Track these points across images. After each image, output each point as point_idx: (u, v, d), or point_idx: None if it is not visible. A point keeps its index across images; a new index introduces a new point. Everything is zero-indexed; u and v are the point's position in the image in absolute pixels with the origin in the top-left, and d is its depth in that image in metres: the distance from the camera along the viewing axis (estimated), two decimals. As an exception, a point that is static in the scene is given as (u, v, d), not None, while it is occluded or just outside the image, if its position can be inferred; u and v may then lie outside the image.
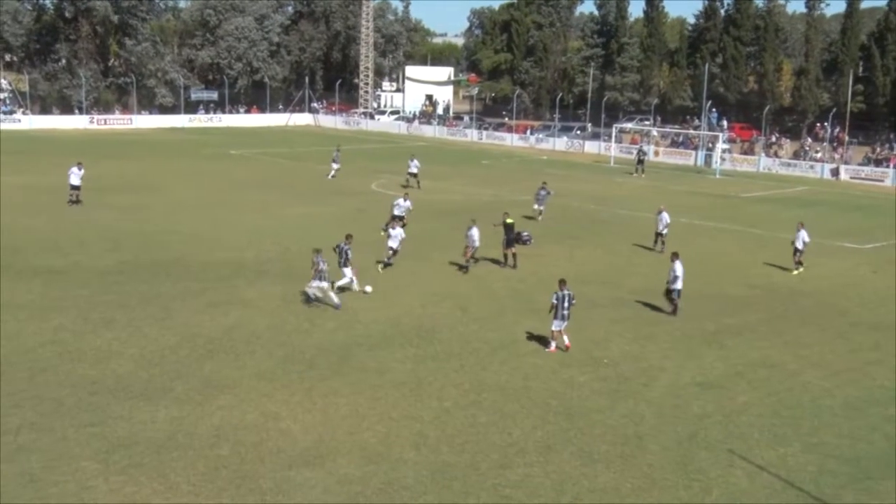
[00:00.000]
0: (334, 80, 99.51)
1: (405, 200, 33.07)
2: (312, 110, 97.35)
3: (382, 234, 30.72)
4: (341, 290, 23.84)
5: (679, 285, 23.33)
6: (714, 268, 29.78)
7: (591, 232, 35.67)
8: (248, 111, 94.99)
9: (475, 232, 27.36)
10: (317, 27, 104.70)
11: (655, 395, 17.67)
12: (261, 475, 13.83)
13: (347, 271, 24.16)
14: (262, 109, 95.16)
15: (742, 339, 21.63)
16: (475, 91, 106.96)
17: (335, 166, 49.89)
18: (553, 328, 20.13)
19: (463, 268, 27.64)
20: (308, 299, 23.13)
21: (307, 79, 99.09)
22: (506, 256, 28.67)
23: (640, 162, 57.18)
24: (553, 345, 20.10)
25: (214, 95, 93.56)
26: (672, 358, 19.99)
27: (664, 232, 31.75)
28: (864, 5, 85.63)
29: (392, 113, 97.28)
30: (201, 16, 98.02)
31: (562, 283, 20.25)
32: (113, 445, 14.64)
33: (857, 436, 16.01)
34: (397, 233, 27.53)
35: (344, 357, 19.35)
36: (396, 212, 32.18)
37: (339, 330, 21.29)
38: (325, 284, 22.96)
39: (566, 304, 19.91)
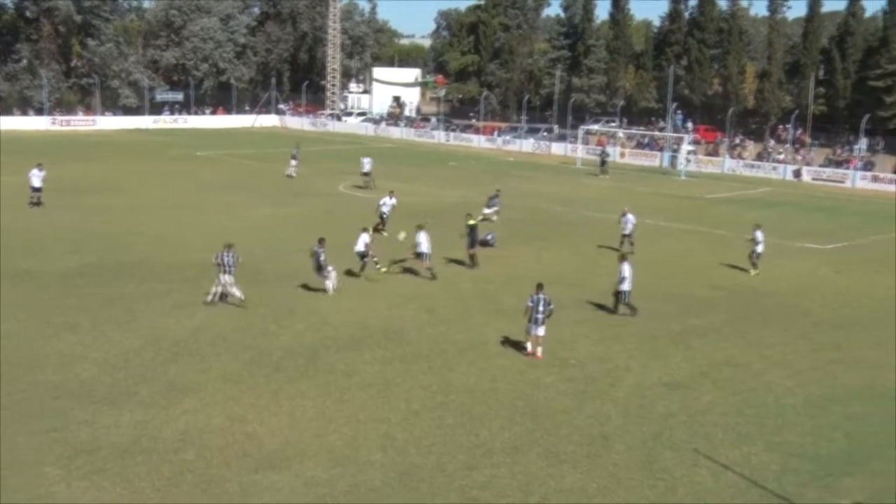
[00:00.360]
0: (301, 81, 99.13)
1: (391, 198, 33.40)
2: (279, 111, 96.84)
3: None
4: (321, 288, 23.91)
5: (626, 286, 23.27)
6: (679, 269, 30.06)
7: (558, 233, 35.84)
8: (213, 112, 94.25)
9: (422, 237, 26.83)
10: (283, 28, 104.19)
11: (621, 396, 17.79)
12: (227, 479, 13.73)
13: (329, 272, 24.22)
14: (228, 111, 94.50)
15: (707, 339, 21.84)
16: (442, 92, 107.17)
17: (293, 163, 50.17)
18: (530, 332, 19.85)
19: (421, 274, 27.14)
20: (212, 298, 23.06)
21: (274, 80, 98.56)
22: (471, 258, 28.79)
23: (604, 163, 57.58)
24: (529, 347, 19.93)
25: (180, 96, 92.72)
26: (638, 358, 20.14)
27: (631, 233, 31.98)
28: (824, 9, 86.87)
29: (359, 114, 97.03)
30: (166, 16, 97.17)
31: (538, 287, 20.03)
32: (76, 451, 14.45)
33: (819, 434, 16.23)
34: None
35: (311, 359, 19.26)
36: (384, 210, 32.89)
37: (306, 332, 21.19)
38: (229, 278, 23.05)
39: (541, 308, 19.63)
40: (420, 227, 26.81)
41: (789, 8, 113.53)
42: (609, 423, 16.42)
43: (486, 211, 36.94)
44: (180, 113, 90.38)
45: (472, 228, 28.67)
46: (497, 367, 19.17)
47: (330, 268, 24.38)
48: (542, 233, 35.75)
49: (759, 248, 29.64)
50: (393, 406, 16.83)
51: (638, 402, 17.48)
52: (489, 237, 32.12)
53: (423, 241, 26.69)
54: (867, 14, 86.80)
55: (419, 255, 26.73)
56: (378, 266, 26.78)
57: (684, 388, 18.31)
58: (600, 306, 24.15)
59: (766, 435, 16.11)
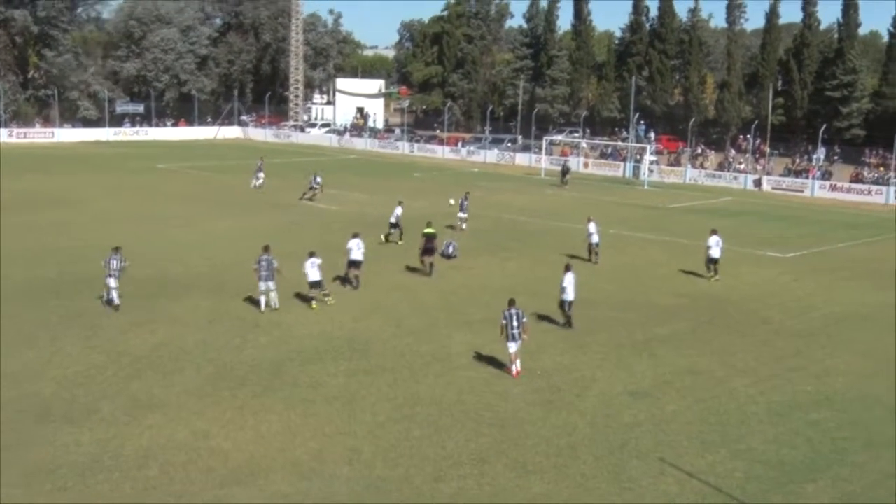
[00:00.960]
0: (264, 92, 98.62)
1: (399, 207, 34.68)
2: (242, 123, 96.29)
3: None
4: (256, 301, 23.70)
5: (568, 297, 23.21)
6: (643, 278, 30.31)
7: (523, 244, 35.98)
8: (175, 124, 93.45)
9: (353, 244, 26.96)
10: (246, 39, 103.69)
11: (588, 406, 17.88)
12: (191, 495, 13.58)
13: (272, 284, 23.89)
14: (189, 122, 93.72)
15: (671, 347, 22.04)
16: (406, 103, 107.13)
17: (260, 175, 50.42)
18: (509, 350, 19.50)
19: (346, 282, 27.16)
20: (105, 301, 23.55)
21: (236, 91, 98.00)
22: (422, 263, 29.09)
23: (565, 174, 57.76)
24: (514, 368, 19.49)
25: (140, 108, 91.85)
26: (603, 368, 20.26)
27: (596, 241, 32.29)
28: (781, 21, 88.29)
29: (323, 126, 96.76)
30: (126, 27, 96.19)
31: (510, 302, 19.87)
32: (35, 470, 14.21)
33: (782, 441, 16.43)
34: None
35: (276, 373, 19.13)
36: (393, 219, 34.09)
37: (270, 345, 21.06)
38: (113, 282, 23.53)
39: (515, 323, 19.39)
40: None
41: (747, 20, 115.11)
42: (576, 432, 16.49)
43: (462, 215, 37.76)
44: (141, 125, 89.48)
45: (429, 237, 28.94)
46: (463, 379, 19.17)
47: (271, 282, 23.90)
48: (506, 243, 35.88)
49: (714, 254, 30.08)
50: (359, 419, 16.77)
51: (604, 411, 17.58)
52: (450, 249, 32.17)
53: (354, 248, 26.90)
54: (822, 26, 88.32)
55: (352, 264, 26.95)
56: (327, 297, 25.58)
57: (649, 397, 18.44)
58: (580, 316, 24.25)
59: (730, 442, 16.27)
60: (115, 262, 23.68)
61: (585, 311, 25.00)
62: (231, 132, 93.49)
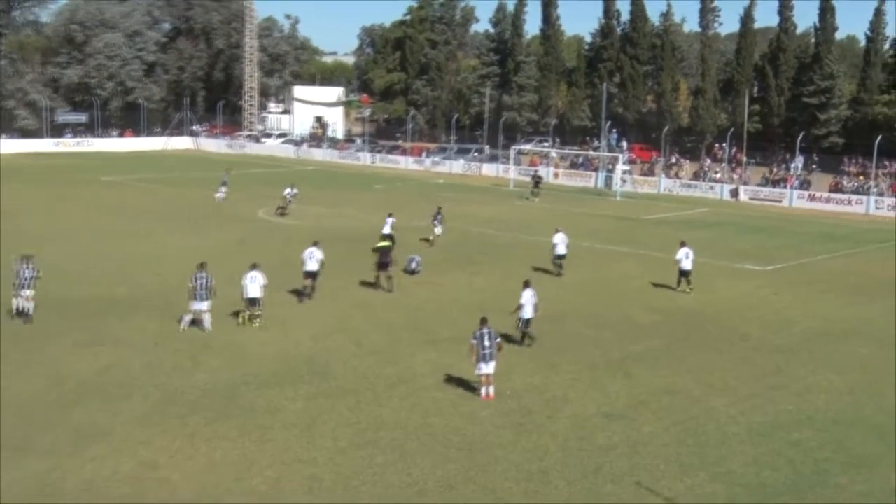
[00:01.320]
0: (216, 101, 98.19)
1: (390, 218, 35.92)
2: (193, 133, 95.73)
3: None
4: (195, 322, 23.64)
5: (526, 314, 23.16)
6: (617, 292, 30.47)
7: (491, 257, 36.04)
8: (121, 134, 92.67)
9: (308, 253, 27.49)
10: (196, 45, 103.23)
11: (560, 428, 17.88)
12: (138, 531, 13.35)
13: (206, 305, 23.67)
14: (137, 133, 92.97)
15: (646, 366, 22.13)
16: (367, 112, 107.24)
17: (224, 189, 50.35)
18: (479, 372, 19.40)
19: (302, 295, 27.57)
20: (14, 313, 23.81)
21: (187, 100, 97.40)
22: (377, 279, 29.24)
23: (537, 185, 57.94)
24: (483, 391, 19.37)
25: (83, 118, 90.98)
26: (576, 388, 20.29)
27: (563, 253, 32.56)
28: (756, 25, 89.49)
29: (279, 135, 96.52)
30: (66, 31, 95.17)
31: (482, 321, 19.75)
32: (-31, 505, 13.91)
33: (763, 462, 16.53)
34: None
35: (229, 397, 18.93)
36: (386, 230, 35.05)
37: (223, 368, 20.85)
38: (29, 293, 23.82)
39: (487, 343, 19.26)
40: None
41: (721, 24, 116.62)
42: (548, 457, 16.47)
43: (439, 231, 38.36)
44: (84, 135, 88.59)
45: (383, 251, 29.23)
46: (429, 401, 19.10)
47: (205, 303, 23.75)
48: (473, 257, 35.92)
49: (685, 266, 30.45)
50: (319, 445, 16.63)
51: (577, 434, 17.59)
52: (413, 264, 32.16)
53: (308, 259, 27.38)
54: (799, 30, 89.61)
55: (307, 275, 27.41)
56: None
57: (624, 419, 18.49)
58: (551, 334, 24.30)
59: (710, 465, 16.34)
60: (26, 272, 23.84)
61: (556, 327, 25.08)
62: (181, 143, 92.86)
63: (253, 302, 24.44)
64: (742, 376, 21.56)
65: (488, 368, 19.35)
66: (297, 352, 22.31)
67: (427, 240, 37.96)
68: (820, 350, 24.03)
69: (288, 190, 47.03)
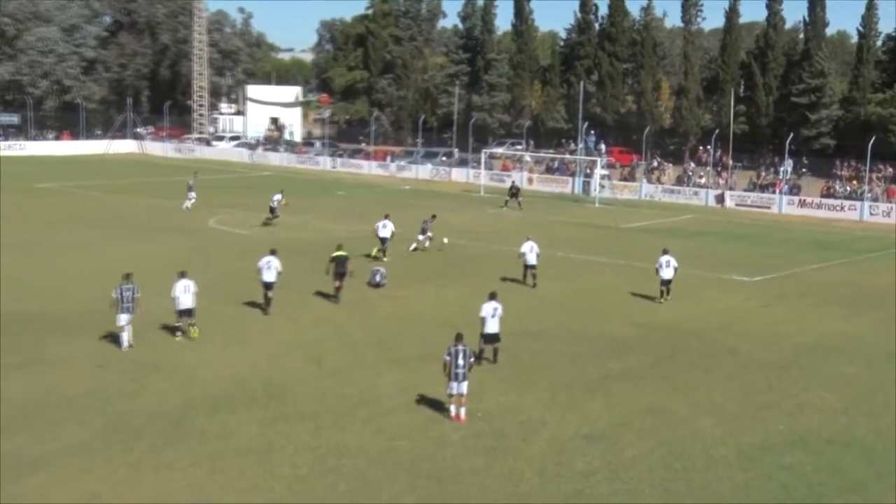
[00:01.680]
0: (163, 101, 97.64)
1: (385, 219, 37.59)
2: (137, 136, 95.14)
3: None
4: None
5: (490, 329, 23.10)
6: (595, 306, 30.63)
7: (461, 269, 36.10)
8: (58, 137, 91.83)
9: (265, 263, 27.66)
10: (140, 40, 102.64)
11: (536, 452, 17.91)
12: (78, 569, 13.20)
13: (124, 318, 23.55)
14: (75, 135, 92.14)
15: (628, 384, 22.25)
16: (327, 113, 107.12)
17: (192, 196, 50.28)
18: (451, 391, 19.49)
19: (262, 307, 27.90)
20: None
21: (130, 100, 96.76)
22: (337, 290, 29.71)
23: (514, 195, 57.79)
24: (453, 410, 19.49)
25: (15, 119, 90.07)
26: (553, 409, 20.34)
27: (534, 263, 32.83)
28: (742, 20, 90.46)
29: (232, 139, 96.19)
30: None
31: (458, 337, 19.77)
32: None
33: (753, 486, 16.65)
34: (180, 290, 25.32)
35: (178, 422, 18.79)
36: (383, 234, 37.12)
37: (172, 391, 20.69)
38: None
39: (461, 362, 19.32)
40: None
41: (704, 19, 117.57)
42: (523, 482, 16.49)
43: (420, 238, 39.17)
44: (16, 138, 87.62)
45: (339, 260, 29.52)
46: (395, 424, 19.07)
47: (125, 315, 23.65)
48: (441, 269, 35.96)
49: (666, 275, 30.89)
50: (276, 473, 16.54)
51: (555, 458, 17.63)
52: (377, 277, 32.17)
53: (265, 268, 27.58)
54: (787, 25, 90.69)
55: (264, 286, 27.56)
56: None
57: (605, 441, 18.56)
58: (526, 350, 24.34)
59: (696, 490, 16.44)
60: None
61: (531, 343, 25.16)
62: (124, 146, 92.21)
63: (188, 313, 24.54)
64: (730, 395, 21.73)
65: (461, 388, 19.42)
66: (252, 372, 22.19)
67: (418, 249, 39.07)
68: (812, 366, 24.29)
69: (277, 196, 46.92)
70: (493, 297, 23.62)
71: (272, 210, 46.38)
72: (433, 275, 34.78)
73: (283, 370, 22.49)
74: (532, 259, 32.96)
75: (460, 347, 19.54)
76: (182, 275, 24.85)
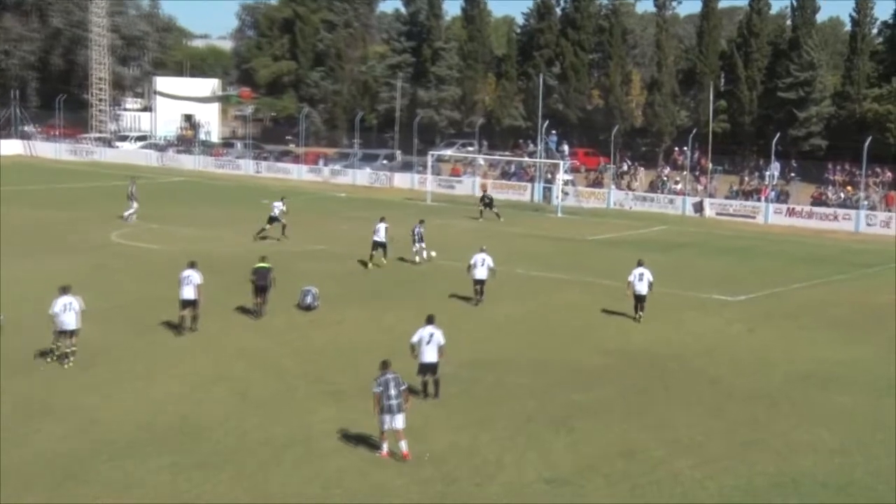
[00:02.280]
0: (54, 94, 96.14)
1: (381, 222, 40.01)
2: (24, 135, 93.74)
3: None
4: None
5: (427, 358, 23.02)
6: (559, 330, 30.75)
7: (405, 289, 36.11)
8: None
9: (184, 277, 28.03)
10: (27, 24, 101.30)
11: (492, 498, 17.92)
12: None
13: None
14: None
15: (596, 420, 22.33)
16: (249, 110, 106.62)
17: (134, 206, 50.22)
18: (383, 426, 19.48)
19: (180, 329, 28.30)
20: None
21: (15, 92, 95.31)
22: (256, 306, 30.58)
23: (489, 205, 57.59)
24: (385, 447, 19.57)
25: None
26: (512, 449, 20.37)
27: (483, 278, 33.10)
28: (722, 5, 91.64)
29: (138, 139, 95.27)
30: None
31: (384, 365, 19.82)
32: None
33: (738, 535, 16.81)
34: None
35: (75, 471, 18.51)
36: (379, 237, 39.36)
37: (69, 435, 20.38)
38: None
39: (392, 392, 19.32)
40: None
41: (679, 3, 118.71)
42: (477, 535, 16.48)
43: (418, 246, 40.83)
44: None
45: (259, 273, 30.00)
46: (330, 469, 18.98)
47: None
48: (383, 289, 35.93)
49: (640, 290, 31.43)
50: (190, 529, 16.36)
51: (513, 506, 17.66)
52: (308, 298, 32.02)
53: (184, 284, 27.85)
54: (773, 11, 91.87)
55: (183, 304, 28.06)
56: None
57: (570, 485, 18.61)
58: (481, 382, 24.34)
59: (674, 540, 16.54)
60: None
61: (485, 375, 25.19)
62: (9, 147, 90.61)
63: (69, 334, 24.62)
64: (712, 431, 21.90)
65: (396, 422, 19.39)
66: (163, 411, 21.95)
67: (414, 261, 40.28)
68: (805, 399, 24.56)
69: (278, 204, 46.84)
70: (430, 321, 23.59)
71: (271, 220, 46.17)
72: (373, 295, 34.71)
73: (199, 408, 22.28)
74: (482, 273, 33.24)
75: (389, 376, 19.53)
76: (63, 290, 24.79)
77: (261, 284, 30.07)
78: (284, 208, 47.03)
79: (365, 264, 39.61)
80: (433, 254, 40.35)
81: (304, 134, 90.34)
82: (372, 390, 19.65)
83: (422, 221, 42.08)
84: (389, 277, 38.24)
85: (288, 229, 45.98)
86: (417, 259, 40.69)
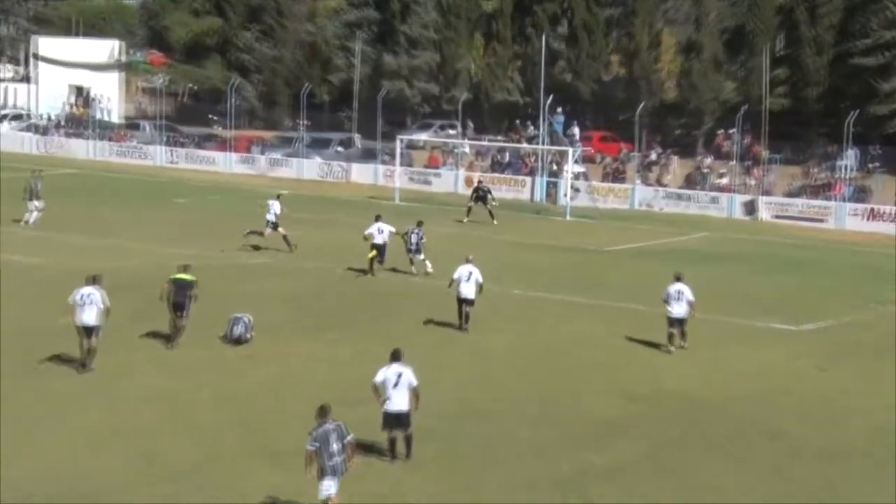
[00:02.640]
0: None
1: (378, 222, 42.16)
2: None
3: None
4: None
5: (396, 406, 22.73)
6: (569, 368, 30.63)
7: (368, 314, 35.99)
8: None
9: (80, 297, 28.17)
10: None
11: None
12: None
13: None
14: None
15: (616, 485, 22.26)
16: (161, 80, 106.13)
17: (37, 205, 50.69)
18: (321, 493, 19.30)
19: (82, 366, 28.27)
20: None
21: None
22: (173, 329, 30.92)
23: (482, 198, 57.55)
24: None
25: None
26: (506, 523, 20.32)
27: (471, 298, 33.13)
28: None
29: (13, 118, 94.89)
30: None
31: (322, 412, 19.66)
32: None
33: None
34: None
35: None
36: (379, 240, 41.73)
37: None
38: None
39: (334, 448, 19.21)
40: (90, 280, 27.25)
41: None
42: None
43: (420, 256, 42.27)
44: None
45: (179, 285, 30.32)
46: (268, 553, 18.86)
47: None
48: (339, 315, 35.79)
49: (677, 312, 31.51)
50: None
51: None
52: (239, 328, 31.74)
53: (78, 304, 28.06)
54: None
55: (83, 331, 28.21)
56: None
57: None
58: (462, 434, 24.22)
59: None
60: None
61: (475, 427, 25.08)
62: None
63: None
64: (772, 497, 21.83)
65: (332, 487, 19.13)
66: (46, 476, 21.76)
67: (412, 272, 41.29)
68: (890, 457, 24.44)
69: (273, 203, 47.34)
70: (395, 357, 23.29)
71: (274, 226, 46.66)
72: (324, 324, 34.48)
73: (94, 471, 22.10)
74: (469, 290, 33.23)
75: (328, 426, 19.31)
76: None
77: (178, 301, 30.14)
78: (279, 210, 47.25)
79: (366, 272, 41.39)
80: (429, 268, 41.71)
81: (233, 113, 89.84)
82: (305, 447, 19.30)
83: (420, 224, 42.54)
84: (347, 299, 38.06)
85: (290, 237, 46.52)
86: (415, 270, 41.84)
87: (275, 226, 46.77)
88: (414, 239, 41.82)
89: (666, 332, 31.83)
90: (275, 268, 40.19)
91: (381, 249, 41.76)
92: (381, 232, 41.80)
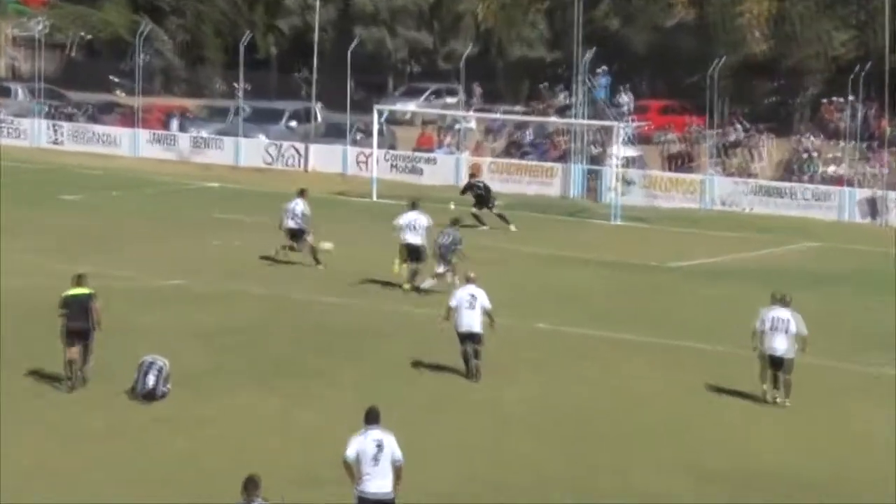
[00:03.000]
0: None
1: (412, 209, 44.12)
2: None
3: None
4: None
5: (368, 487, 22.27)
6: (614, 434, 30.54)
7: (334, 357, 36.05)
8: None
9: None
10: None
11: None
12: None
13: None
14: None
15: None
16: (41, 27, 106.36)
17: None
18: None
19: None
20: None
21: None
22: (69, 365, 31.08)
23: (485, 201, 57.82)
24: None
25: None
26: None
27: (478, 332, 33.28)
28: None
29: None
30: None
31: (248, 486, 20.02)
32: None
33: None
34: None
35: None
36: (412, 240, 42.84)
37: None
38: None
39: None
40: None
41: None
42: None
43: (442, 269, 42.03)
44: None
45: (75, 305, 30.72)
46: None
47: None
48: (297, 358, 35.81)
49: (777, 347, 31.28)
50: None
51: None
52: (150, 378, 31.53)
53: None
54: None
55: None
56: None
57: None
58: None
59: None
60: None
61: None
62: None
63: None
64: None
65: None
66: None
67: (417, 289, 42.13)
68: None
69: (295, 204, 47.86)
70: (372, 419, 22.98)
71: (294, 234, 47.52)
72: (279, 370, 34.42)
73: None
74: (474, 321, 33.21)
75: None
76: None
77: (75, 328, 30.43)
78: (306, 210, 47.82)
79: (400, 284, 42.06)
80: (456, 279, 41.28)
81: (141, 73, 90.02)
82: None
83: (455, 223, 43.66)
84: (307, 339, 37.95)
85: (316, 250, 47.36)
86: (434, 281, 42.29)
87: (295, 234, 47.44)
88: (443, 240, 41.96)
89: (758, 382, 31.51)
90: (194, 292, 40.05)
91: (414, 252, 41.78)
92: (413, 228, 42.38)
